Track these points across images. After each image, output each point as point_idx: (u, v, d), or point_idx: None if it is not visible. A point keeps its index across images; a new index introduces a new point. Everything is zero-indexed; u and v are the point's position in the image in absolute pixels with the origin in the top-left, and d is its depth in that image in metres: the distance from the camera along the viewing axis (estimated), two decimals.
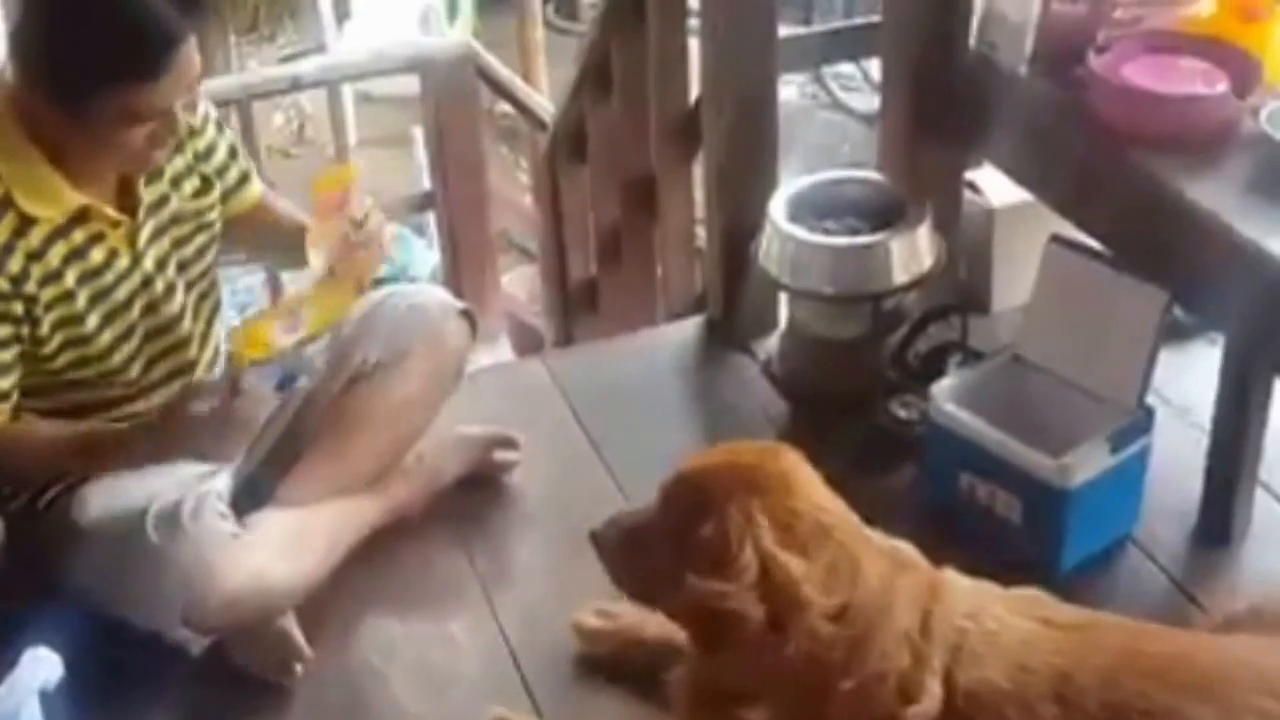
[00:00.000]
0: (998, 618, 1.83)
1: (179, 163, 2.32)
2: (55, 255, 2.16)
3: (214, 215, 2.41)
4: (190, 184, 2.35)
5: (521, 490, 2.67)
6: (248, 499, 2.40)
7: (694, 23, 3.11)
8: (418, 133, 4.96)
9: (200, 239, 2.39)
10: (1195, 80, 2.33)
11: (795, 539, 1.81)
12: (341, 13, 6.63)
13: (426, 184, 4.51)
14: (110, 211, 2.21)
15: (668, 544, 1.87)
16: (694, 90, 3.17)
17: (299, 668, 2.29)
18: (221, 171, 2.42)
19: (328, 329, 2.39)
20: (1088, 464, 2.32)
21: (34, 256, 2.13)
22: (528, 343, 4.51)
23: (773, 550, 1.79)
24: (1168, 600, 2.36)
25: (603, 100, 3.54)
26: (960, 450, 2.43)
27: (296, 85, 4.25)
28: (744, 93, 2.92)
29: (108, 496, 2.28)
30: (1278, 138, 2.20)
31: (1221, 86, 2.30)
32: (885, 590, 1.82)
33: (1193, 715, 1.69)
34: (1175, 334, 2.69)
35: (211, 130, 2.39)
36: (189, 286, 2.39)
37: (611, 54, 3.41)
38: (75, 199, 2.16)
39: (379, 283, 4.19)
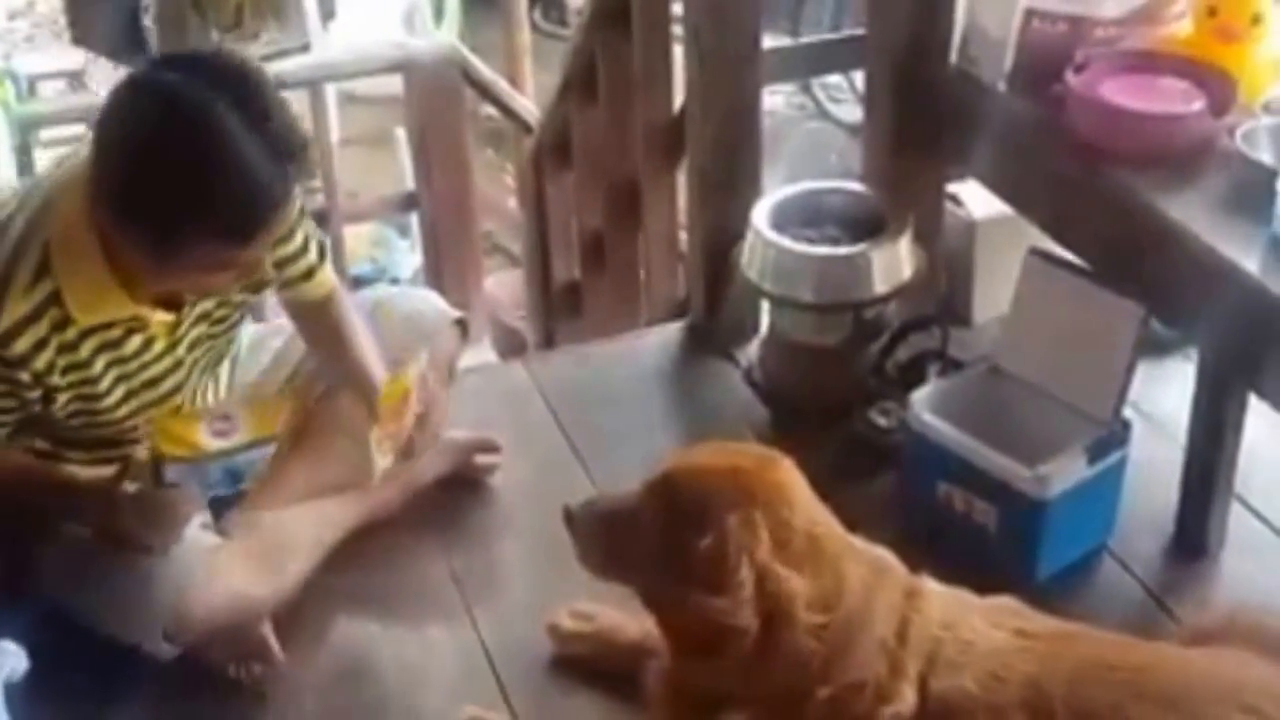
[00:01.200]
0: (973, 627, 1.86)
1: None
2: (87, 348, 2.11)
3: (258, 299, 2.37)
4: None
5: (501, 492, 2.68)
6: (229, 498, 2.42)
7: (679, 30, 3.13)
8: (401, 133, 4.97)
9: (235, 317, 2.35)
10: (1172, 99, 2.36)
11: (790, 553, 1.82)
12: (326, 12, 6.62)
13: (410, 184, 4.52)
14: (157, 316, 2.16)
15: (654, 541, 1.88)
16: (679, 98, 3.19)
17: (272, 670, 2.30)
18: (287, 262, 2.32)
19: (267, 439, 2.36)
20: (1064, 475, 2.34)
21: (66, 348, 2.08)
22: (510, 345, 4.53)
23: (771, 565, 1.80)
24: (1142, 611, 2.37)
25: (588, 106, 3.57)
26: (938, 459, 2.45)
27: (280, 84, 4.25)
28: (728, 103, 2.95)
29: None
30: (1253, 156, 2.23)
31: (1198, 105, 2.32)
32: (866, 600, 1.85)
33: None
34: (1153, 348, 2.71)
35: (291, 218, 2.28)
36: (211, 350, 2.36)
37: (596, 61, 3.44)
38: (127, 309, 2.11)
39: (361, 282, 4.22)
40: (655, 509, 1.89)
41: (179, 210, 1.91)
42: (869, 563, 1.90)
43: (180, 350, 2.25)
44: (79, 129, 5.22)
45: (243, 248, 1.98)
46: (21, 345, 2.02)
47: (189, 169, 1.89)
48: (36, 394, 2.09)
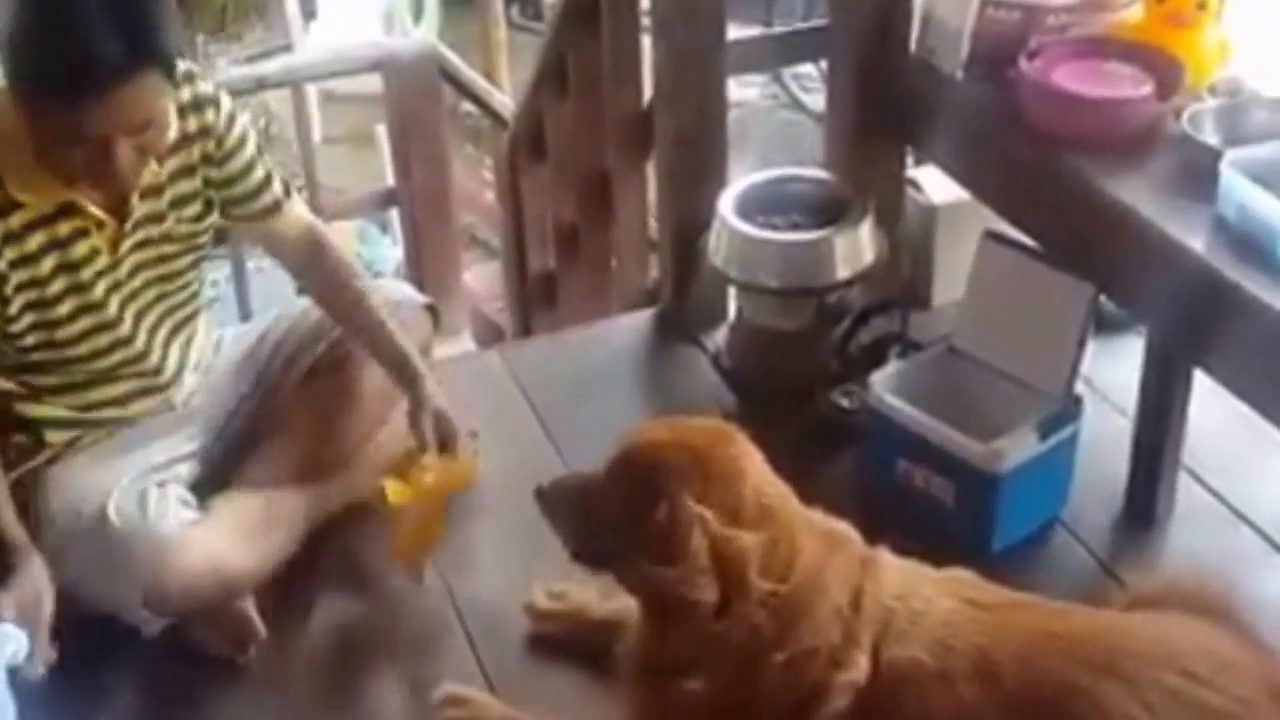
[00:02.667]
0: (925, 597, 1.91)
1: (185, 186, 2.31)
2: (34, 241, 2.17)
3: (206, 238, 2.41)
4: (192, 209, 2.35)
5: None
6: (210, 483, 2.46)
7: (648, 22, 3.18)
8: (381, 130, 5.02)
9: (187, 259, 2.39)
10: (1121, 83, 2.41)
11: (742, 523, 1.88)
12: (308, 12, 6.68)
13: (391, 181, 4.57)
14: (95, 211, 2.21)
15: (617, 516, 1.93)
16: (648, 90, 3.24)
17: (253, 650, 2.35)
18: (248, 198, 2.41)
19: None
20: (1017, 450, 2.40)
21: (11, 238, 2.15)
22: (490, 337, 4.55)
23: (723, 535, 1.85)
24: (1094, 580, 2.43)
25: (560, 100, 3.61)
26: (898, 437, 2.51)
27: (262, 85, 4.31)
28: (694, 96, 3.00)
29: (72, 479, 2.33)
30: (1199, 138, 2.28)
31: (1146, 89, 2.38)
32: (820, 570, 1.90)
33: (1102, 692, 1.77)
34: (1106, 326, 2.79)
35: (244, 157, 2.37)
36: (162, 298, 2.39)
37: (567, 56, 3.48)
38: (62, 193, 2.16)
39: None
40: (615, 483, 1.95)
41: (16, 60, 2.02)
42: (824, 534, 1.95)
43: (123, 270, 2.28)
44: None
45: (75, 111, 2.02)
46: None
47: (34, 23, 2.00)
48: None
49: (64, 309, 2.25)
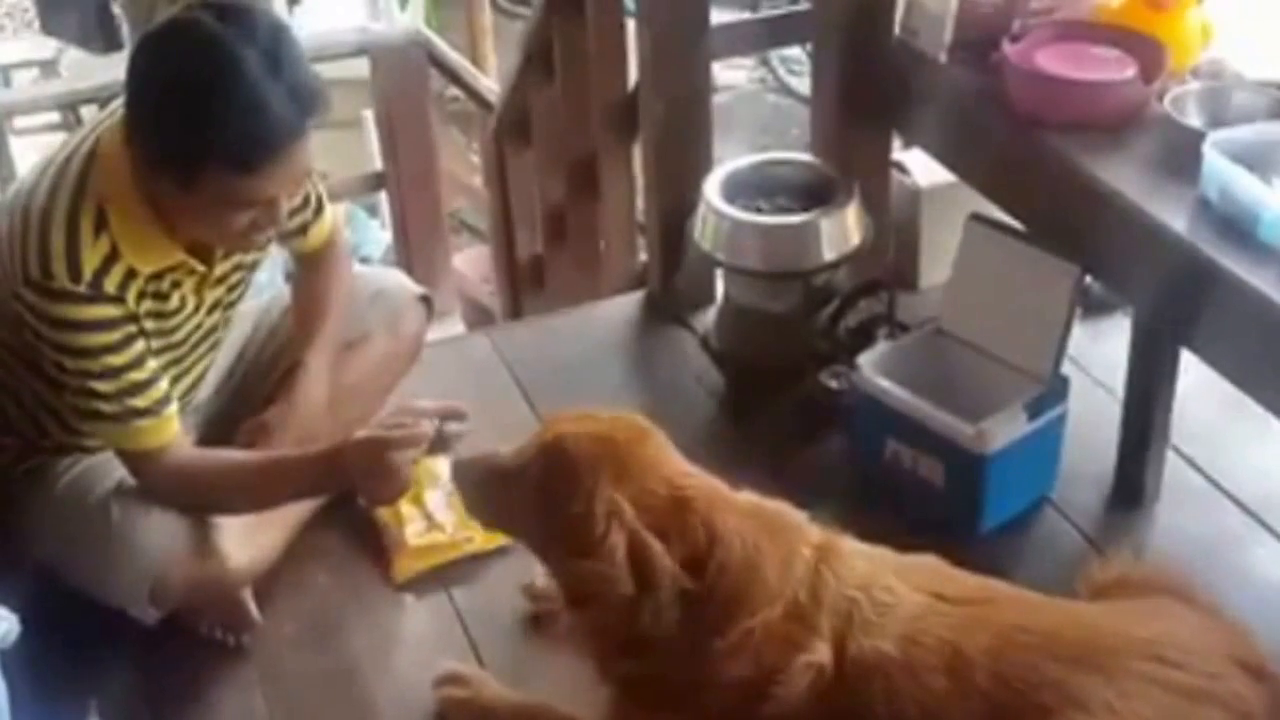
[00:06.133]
0: (890, 589, 1.90)
1: None
2: (154, 290, 2.19)
3: (260, 257, 2.43)
4: None
5: None
6: None
7: (632, 5, 3.19)
8: (368, 115, 5.03)
9: (246, 280, 2.42)
10: (1105, 66, 2.42)
11: (657, 515, 1.88)
12: None
13: (378, 165, 4.59)
14: (196, 264, 2.24)
15: (532, 502, 1.94)
16: (633, 73, 3.24)
17: (247, 637, 2.36)
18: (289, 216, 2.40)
19: None
20: (1005, 430, 2.41)
21: (143, 296, 2.17)
22: (479, 319, 4.57)
23: (636, 528, 1.86)
24: (1083, 559, 2.38)
25: (546, 84, 3.62)
26: (886, 418, 2.52)
27: None
28: (678, 79, 3.00)
29: (74, 473, 2.34)
30: (1182, 121, 2.29)
31: (1130, 72, 2.39)
32: (749, 552, 1.89)
33: (1078, 684, 1.78)
34: (1093, 307, 2.81)
35: (307, 166, 2.34)
36: (225, 323, 2.43)
37: (553, 39, 3.49)
38: (175, 255, 2.19)
39: None
40: (532, 473, 1.95)
41: (196, 135, 2.01)
42: (756, 519, 1.94)
43: (202, 311, 2.32)
44: (53, 117, 5.25)
45: (254, 177, 2.05)
46: (110, 285, 2.11)
47: (207, 97, 1.99)
48: (138, 328, 2.16)
49: (156, 361, 2.25)
